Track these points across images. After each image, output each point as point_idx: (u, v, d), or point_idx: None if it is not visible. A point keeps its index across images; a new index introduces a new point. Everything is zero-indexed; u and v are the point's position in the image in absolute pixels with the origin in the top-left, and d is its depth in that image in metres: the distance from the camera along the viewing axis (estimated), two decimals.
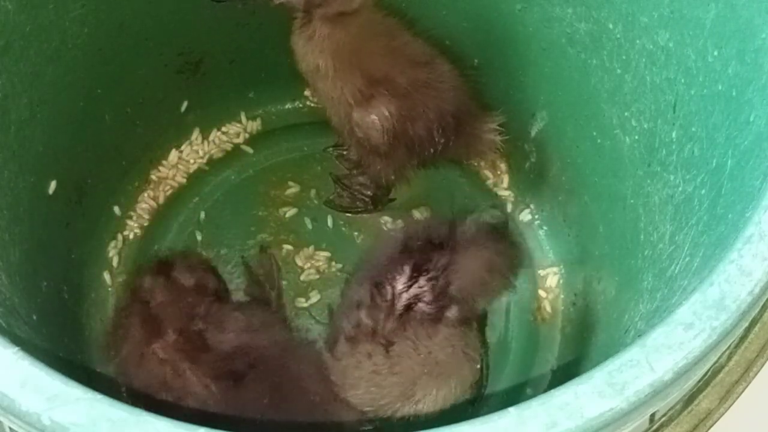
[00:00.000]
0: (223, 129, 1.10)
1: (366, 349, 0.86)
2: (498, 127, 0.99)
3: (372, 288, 0.88)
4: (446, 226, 0.91)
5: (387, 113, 0.93)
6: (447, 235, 0.90)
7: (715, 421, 0.67)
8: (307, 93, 1.11)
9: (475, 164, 1.07)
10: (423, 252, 0.89)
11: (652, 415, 0.64)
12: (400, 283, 0.87)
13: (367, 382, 0.87)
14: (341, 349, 0.88)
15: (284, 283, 1.02)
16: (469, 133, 0.99)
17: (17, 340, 0.55)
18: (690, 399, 0.66)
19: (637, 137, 0.86)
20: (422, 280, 0.87)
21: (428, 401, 0.88)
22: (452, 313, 0.86)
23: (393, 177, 1.00)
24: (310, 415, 0.89)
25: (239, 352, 0.88)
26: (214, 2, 0.90)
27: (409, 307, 0.86)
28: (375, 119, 0.93)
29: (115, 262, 1.03)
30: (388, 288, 0.87)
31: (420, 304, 0.87)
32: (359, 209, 1.06)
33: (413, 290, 0.87)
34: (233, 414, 0.86)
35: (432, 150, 0.97)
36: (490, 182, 1.08)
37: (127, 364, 0.89)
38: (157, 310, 0.89)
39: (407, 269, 0.88)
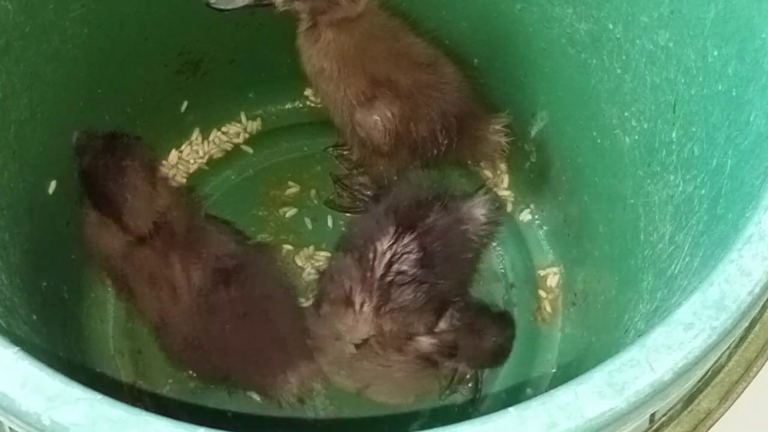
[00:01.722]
0: (223, 129, 1.10)
1: (346, 323, 0.87)
2: (503, 129, 0.99)
3: (355, 253, 0.88)
4: (435, 190, 0.92)
5: (389, 114, 0.93)
6: (435, 197, 0.91)
7: (715, 421, 0.67)
8: (307, 93, 1.11)
9: (477, 166, 1.06)
10: (409, 210, 0.90)
11: (652, 415, 0.64)
12: (385, 244, 0.87)
13: (336, 357, 0.88)
14: (325, 309, 0.89)
15: None
16: (474, 135, 0.99)
17: (17, 340, 0.55)
18: (690, 399, 0.66)
19: (637, 137, 0.86)
20: (407, 238, 0.87)
21: (374, 396, 0.90)
22: (425, 345, 0.86)
23: (395, 178, 1.00)
24: (274, 348, 0.91)
25: (231, 257, 0.90)
26: (217, 11, 0.90)
27: (390, 267, 0.86)
28: (377, 120, 0.93)
29: None
30: (371, 249, 0.87)
31: (404, 266, 0.86)
32: (359, 209, 1.06)
33: (397, 247, 0.87)
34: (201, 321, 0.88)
35: (435, 151, 0.97)
36: (490, 182, 1.08)
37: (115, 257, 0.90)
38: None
39: (392, 228, 0.88)
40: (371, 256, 0.87)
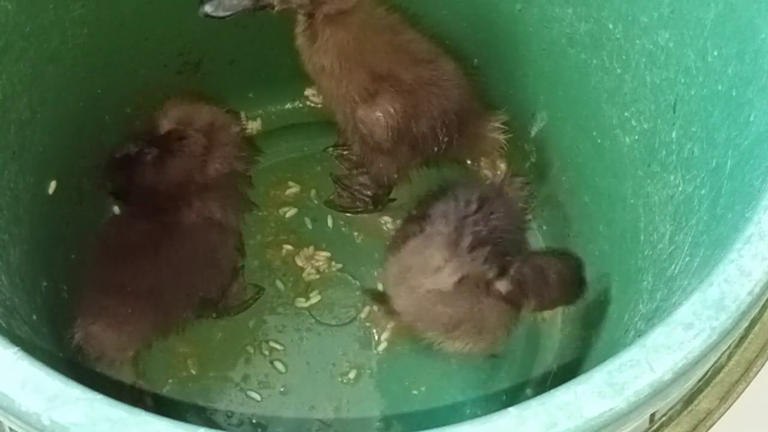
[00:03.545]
0: None
1: (444, 254, 0.90)
2: (501, 126, 0.99)
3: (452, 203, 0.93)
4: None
5: (391, 110, 0.93)
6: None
7: (715, 421, 0.67)
8: (307, 93, 1.11)
9: (476, 164, 1.07)
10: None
11: (652, 415, 0.64)
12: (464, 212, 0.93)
13: (422, 298, 0.90)
14: (415, 245, 0.92)
15: (283, 284, 1.03)
16: (473, 132, 0.99)
17: (17, 340, 0.55)
18: (690, 399, 0.66)
19: (637, 137, 0.86)
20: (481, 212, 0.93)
21: (456, 345, 0.92)
22: (503, 286, 0.89)
23: (395, 176, 1.00)
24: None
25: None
26: (216, 19, 0.90)
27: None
28: (379, 116, 0.93)
29: None
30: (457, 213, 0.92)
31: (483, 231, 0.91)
32: (359, 209, 1.06)
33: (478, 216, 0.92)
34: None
35: (435, 148, 0.97)
36: (490, 182, 1.08)
37: None
38: None
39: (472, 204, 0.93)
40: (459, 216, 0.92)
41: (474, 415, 0.55)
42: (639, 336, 0.55)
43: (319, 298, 1.02)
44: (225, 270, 0.98)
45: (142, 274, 0.92)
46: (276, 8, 0.90)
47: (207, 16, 0.89)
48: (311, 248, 1.04)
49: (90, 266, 0.95)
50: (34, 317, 0.83)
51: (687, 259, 0.71)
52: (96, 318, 0.92)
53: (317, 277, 1.03)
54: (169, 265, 0.93)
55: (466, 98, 0.98)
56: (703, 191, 0.73)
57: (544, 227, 1.05)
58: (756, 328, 0.67)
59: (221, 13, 0.89)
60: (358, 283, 1.03)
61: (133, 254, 0.93)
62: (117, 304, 0.92)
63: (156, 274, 0.93)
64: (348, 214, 1.06)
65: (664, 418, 0.65)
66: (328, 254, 1.04)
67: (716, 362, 0.67)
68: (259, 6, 0.90)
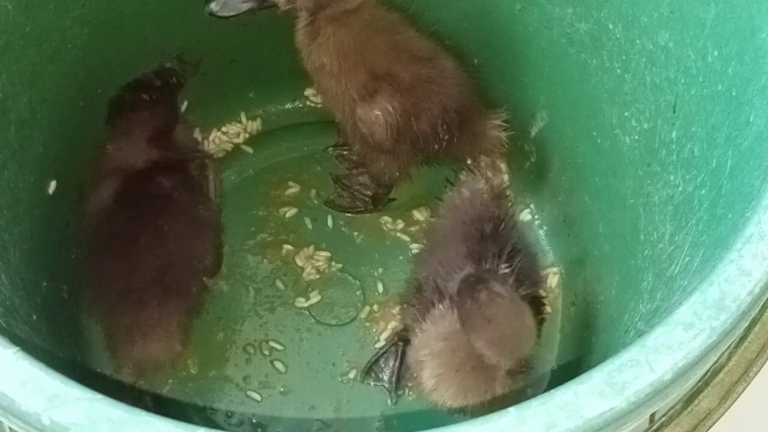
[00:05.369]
0: (223, 129, 1.10)
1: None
2: (502, 123, 0.99)
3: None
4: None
5: (390, 108, 0.93)
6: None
7: (715, 421, 0.67)
8: (307, 93, 1.11)
9: (476, 164, 1.06)
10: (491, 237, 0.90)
11: (652, 415, 0.64)
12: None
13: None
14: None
15: (283, 284, 1.03)
16: (474, 130, 0.99)
17: (17, 340, 0.55)
18: (690, 399, 0.66)
19: (637, 137, 0.86)
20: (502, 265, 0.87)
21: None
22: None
23: (397, 174, 1.00)
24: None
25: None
26: (221, 18, 0.90)
27: None
28: (378, 114, 0.93)
29: None
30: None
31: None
32: (359, 209, 1.06)
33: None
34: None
35: (436, 146, 0.97)
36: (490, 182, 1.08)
37: None
38: None
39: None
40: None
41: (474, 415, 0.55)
42: (639, 336, 0.55)
43: (319, 298, 1.02)
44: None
45: (142, 260, 0.91)
46: (281, 8, 0.91)
47: (212, 15, 0.89)
48: (311, 248, 1.04)
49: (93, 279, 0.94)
50: (34, 317, 0.83)
51: (687, 259, 0.71)
52: (131, 339, 0.91)
53: (317, 277, 1.03)
54: (162, 239, 0.92)
55: (467, 96, 0.98)
56: (703, 191, 0.73)
57: (545, 227, 1.06)
58: (756, 328, 0.68)
59: (226, 13, 0.89)
60: (358, 283, 1.03)
61: (125, 245, 0.92)
62: (136, 311, 0.91)
63: (153, 256, 0.91)
64: (348, 214, 1.06)
65: (664, 418, 0.66)
66: (328, 254, 1.04)
67: (716, 362, 0.67)
68: (264, 6, 0.90)
